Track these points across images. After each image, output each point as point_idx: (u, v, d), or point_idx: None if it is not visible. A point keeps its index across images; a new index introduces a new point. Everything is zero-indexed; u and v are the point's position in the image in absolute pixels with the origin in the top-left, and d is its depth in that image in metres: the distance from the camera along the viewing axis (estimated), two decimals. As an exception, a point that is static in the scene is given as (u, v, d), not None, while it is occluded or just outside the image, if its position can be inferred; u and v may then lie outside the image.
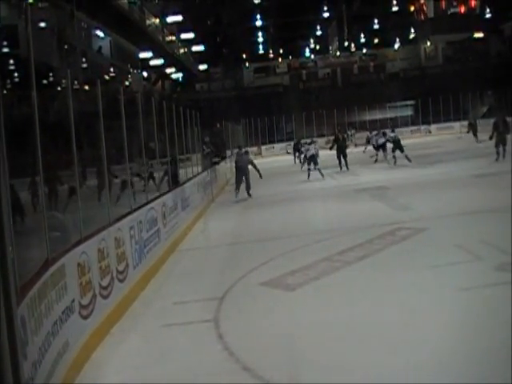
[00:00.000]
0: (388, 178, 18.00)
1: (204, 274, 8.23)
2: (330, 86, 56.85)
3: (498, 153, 18.25)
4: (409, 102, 47.38)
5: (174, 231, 10.41)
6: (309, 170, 20.35)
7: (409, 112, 47.72)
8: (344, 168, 22.21)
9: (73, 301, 5.08)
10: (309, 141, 24.36)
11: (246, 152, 18.42)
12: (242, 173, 17.11)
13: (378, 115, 46.65)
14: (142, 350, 5.59)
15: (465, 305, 5.74)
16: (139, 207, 8.31)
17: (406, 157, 21.40)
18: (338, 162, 22.48)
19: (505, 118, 20.30)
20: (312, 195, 16.22)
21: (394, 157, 22.06)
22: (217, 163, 19.54)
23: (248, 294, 6.89)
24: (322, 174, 20.01)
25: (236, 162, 17.68)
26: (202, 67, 55.35)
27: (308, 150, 20.96)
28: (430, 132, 45.87)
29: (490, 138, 19.34)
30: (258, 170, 17.24)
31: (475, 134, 28.60)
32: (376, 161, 23.82)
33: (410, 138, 40.62)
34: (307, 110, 45.76)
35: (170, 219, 10.07)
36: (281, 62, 63.05)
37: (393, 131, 23.74)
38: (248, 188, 16.90)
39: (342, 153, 22.44)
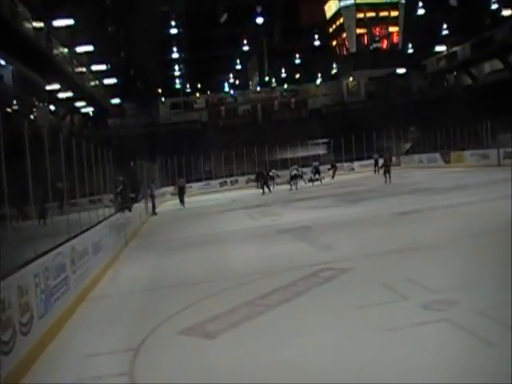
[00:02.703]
0: (310, 217, 18.38)
1: (118, 324, 8.08)
2: (251, 122, 57.72)
3: (385, 178, 30.16)
4: (331, 139, 48.65)
5: (85, 278, 10.18)
6: (292, 184, 35.34)
7: (331, 149, 49.02)
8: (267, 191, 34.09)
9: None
10: (293, 167, 37.27)
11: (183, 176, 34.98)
12: (182, 191, 32.22)
13: (299, 153, 47.70)
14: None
15: (393, 345, 5.91)
16: (45, 252, 8.10)
17: (320, 180, 37.58)
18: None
19: (391, 155, 36.32)
20: (233, 236, 16.28)
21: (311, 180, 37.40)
22: (129, 208, 19.01)
23: (165, 344, 6.83)
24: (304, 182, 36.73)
25: (179, 186, 32.60)
26: (115, 101, 54.87)
27: (292, 171, 36.02)
28: (353, 169, 47.40)
29: (381, 167, 32.48)
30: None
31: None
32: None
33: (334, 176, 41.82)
34: (227, 147, 46.18)
35: (79, 265, 9.86)
36: (199, 98, 63.53)
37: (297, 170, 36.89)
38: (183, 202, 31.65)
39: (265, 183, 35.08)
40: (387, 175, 30.37)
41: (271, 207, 24.04)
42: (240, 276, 10.22)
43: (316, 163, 39.68)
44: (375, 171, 39.84)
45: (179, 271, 11.99)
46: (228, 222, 20.31)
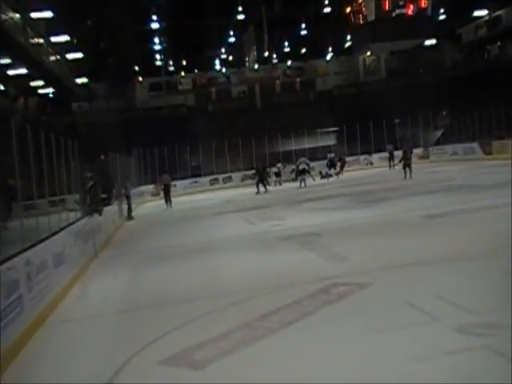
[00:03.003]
0: (319, 221, 18.40)
1: (84, 354, 8.06)
2: (247, 107, 57.67)
3: (405, 173, 31.24)
4: (344, 127, 48.47)
5: (44, 297, 10.13)
6: (300, 180, 35.49)
7: (344, 139, 48.88)
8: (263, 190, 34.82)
9: None
10: (301, 160, 38.11)
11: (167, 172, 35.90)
12: (167, 189, 33.35)
13: (306, 144, 47.65)
14: None
15: (422, 378, 5.84)
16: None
17: (337, 174, 39.64)
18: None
19: (411, 148, 36.24)
20: (227, 245, 16.33)
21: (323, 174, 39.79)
22: (99, 211, 18.91)
23: (142, 377, 6.80)
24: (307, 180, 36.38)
25: (164, 183, 33.93)
26: (81, 81, 54.74)
27: (300, 164, 36.61)
28: (371, 163, 47.47)
29: (400, 161, 33.20)
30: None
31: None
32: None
33: (348, 171, 41.94)
34: (218, 137, 46.19)
35: (37, 281, 9.80)
36: (184, 77, 63.46)
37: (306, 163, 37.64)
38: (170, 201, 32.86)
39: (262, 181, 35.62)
40: (407, 169, 31.44)
41: (272, 209, 24.06)
42: (234, 293, 10.22)
43: (331, 155, 41.05)
44: (390, 166, 41.45)
45: (160, 287, 11.95)
46: (220, 228, 20.37)
